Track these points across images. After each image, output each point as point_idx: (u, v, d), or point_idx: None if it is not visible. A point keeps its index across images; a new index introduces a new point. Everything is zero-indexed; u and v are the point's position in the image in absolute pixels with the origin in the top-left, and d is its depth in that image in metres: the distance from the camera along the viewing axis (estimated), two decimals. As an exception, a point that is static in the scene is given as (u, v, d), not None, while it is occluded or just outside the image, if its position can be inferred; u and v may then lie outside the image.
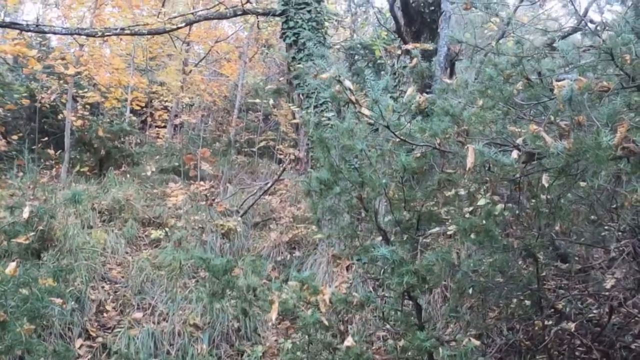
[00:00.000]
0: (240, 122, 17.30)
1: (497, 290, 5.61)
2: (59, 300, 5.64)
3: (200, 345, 6.83)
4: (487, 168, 4.22)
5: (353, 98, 4.00)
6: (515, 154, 3.65)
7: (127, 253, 9.57)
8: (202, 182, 10.91)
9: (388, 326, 4.74)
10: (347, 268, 8.87)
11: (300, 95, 10.89)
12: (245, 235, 10.43)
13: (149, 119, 18.54)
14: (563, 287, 6.66)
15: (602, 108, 3.50)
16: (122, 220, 10.74)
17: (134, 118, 16.98)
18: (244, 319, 7.35)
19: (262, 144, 16.04)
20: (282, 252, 9.85)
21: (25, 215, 6.79)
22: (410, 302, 4.61)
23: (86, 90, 15.22)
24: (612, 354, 5.00)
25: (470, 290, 5.62)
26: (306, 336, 4.45)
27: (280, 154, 14.61)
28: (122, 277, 8.48)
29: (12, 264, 4.94)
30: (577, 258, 7.25)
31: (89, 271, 8.03)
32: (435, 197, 4.48)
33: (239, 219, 10.69)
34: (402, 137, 4.13)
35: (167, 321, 7.15)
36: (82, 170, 13.54)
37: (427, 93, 5.63)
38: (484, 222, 4.07)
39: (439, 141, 4.20)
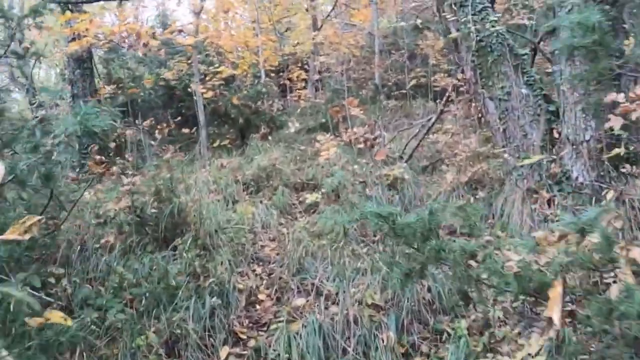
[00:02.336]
0: (383, 61, 15.15)
1: None
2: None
3: (385, 332, 4.80)
4: None
5: None
6: None
7: (280, 224, 7.83)
8: (355, 129, 8.91)
9: None
10: (549, 202, 6.60)
11: (453, 6, 8.51)
12: (416, 183, 8.34)
13: (287, 82, 16.84)
14: None
15: None
16: (270, 188, 9.05)
17: (270, 81, 15.36)
18: (439, 291, 5.27)
19: (413, 82, 13.79)
20: (462, 196, 7.68)
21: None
22: None
23: (217, 65, 13.57)
24: None
25: None
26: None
27: (437, 87, 12.39)
28: (277, 254, 6.68)
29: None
30: None
31: (235, 254, 6.29)
32: None
33: (405, 164, 8.62)
34: None
35: (337, 304, 5.18)
36: (222, 144, 11.98)
37: None
38: None
39: None
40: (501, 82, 7.28)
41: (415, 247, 2.18)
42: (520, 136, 7.10)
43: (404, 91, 13.87)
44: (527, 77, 7.27)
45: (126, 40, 11.46)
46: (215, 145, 12.05)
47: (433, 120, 8.84)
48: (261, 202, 8.43)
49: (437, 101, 12.89)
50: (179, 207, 6.45)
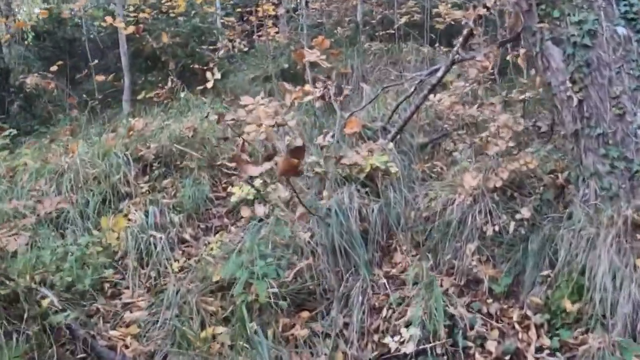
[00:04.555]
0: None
1: None
2: None
3: None
4: None
5: None
6: None
7: (185, 244, 4.36)
8: (307, 86, 5.25)
9: None
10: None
11: None
12: (408, 178, 4.75)
13: (252, 19, 13.05)
14: None
15: None
16: (183, 172, 5.45)
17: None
18: None
19: (404, 20, 9.98)
20: (491, 213, 4.06)
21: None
22: None
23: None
24: None
25: None
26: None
27: (439, 23, 8.73)
28: (138, 337, 3.17)
29: None
30: None
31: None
32: None
33: (390, 144, 5.01)
34: None
35: None
36: (148, 96, 8.24)
37: None
38: None
39: None
40: (578, 13, 3.58)
41: None
42: (612, 116, 3.46)
43: (392, 31, 10.10)
44: (625, 5, 3.59)
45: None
46: (139, 97, 8.33)
47: (440, 74, 5.15)
48: (159, 199, 4.86)
49: (436, 45, 9.23)
50: None
